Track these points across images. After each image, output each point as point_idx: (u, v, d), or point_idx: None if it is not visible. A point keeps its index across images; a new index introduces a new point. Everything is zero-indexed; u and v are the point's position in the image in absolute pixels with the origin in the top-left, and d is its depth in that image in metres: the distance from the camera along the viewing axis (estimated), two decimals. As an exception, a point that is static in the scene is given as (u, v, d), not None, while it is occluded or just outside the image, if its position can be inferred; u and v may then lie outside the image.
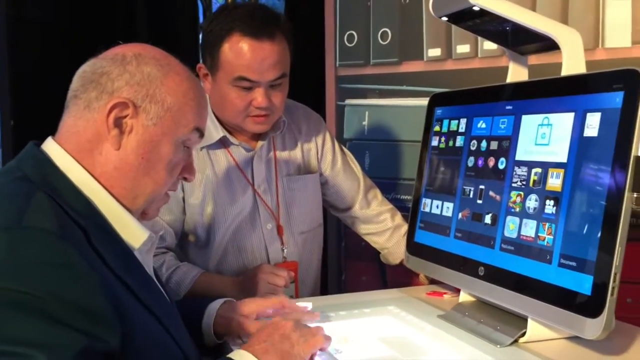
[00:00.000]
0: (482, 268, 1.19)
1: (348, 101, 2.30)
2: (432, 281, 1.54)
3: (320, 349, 1.02)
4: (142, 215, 0.97)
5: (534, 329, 1.10)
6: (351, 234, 2.08)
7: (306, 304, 1.24)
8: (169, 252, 1.45)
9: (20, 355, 0.72)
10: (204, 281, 1.42)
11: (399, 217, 1.68)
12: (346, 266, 2.36)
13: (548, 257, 1.04)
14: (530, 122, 1.15)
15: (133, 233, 0.92)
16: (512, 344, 1.09)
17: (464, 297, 1.31)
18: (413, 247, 1.46)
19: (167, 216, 1.45)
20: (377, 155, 2.19)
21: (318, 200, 1.63)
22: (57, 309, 0.74)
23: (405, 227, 1.63)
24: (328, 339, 1.00)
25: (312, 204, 1.61)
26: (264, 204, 1.52)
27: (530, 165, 1.13)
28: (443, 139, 1.41)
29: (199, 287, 1.41)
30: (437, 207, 1.38)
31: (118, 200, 0.91)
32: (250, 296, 1.35)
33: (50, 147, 0.92)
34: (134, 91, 0.91)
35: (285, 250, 1.53)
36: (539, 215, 1.08)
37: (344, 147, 1.71)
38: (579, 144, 1.03)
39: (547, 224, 1.06)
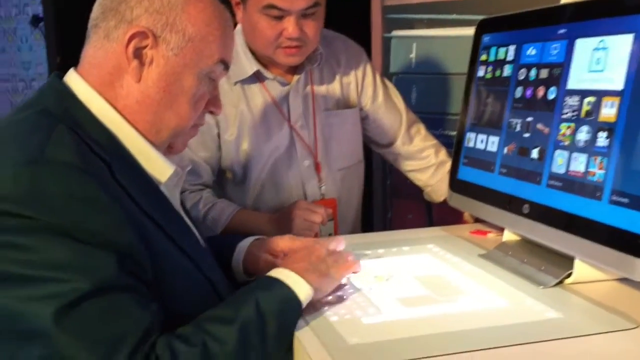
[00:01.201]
0: (527, 205, 1.12)
1: (395, 32, 2.19)
2: (477, 219, 1.48)
3: (353, 272, 1.02)
4: (168, 150, 0.94)
5: (581, 270, 1.03)
6: (397, 171, 2.02)
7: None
8: (206, 189, 1.44)
9: (60, 281, 0.72)
10: (241, 218, 1.40)
11: (443, 153, 1.61)
12: (392, 204, 2.31)
13: (598, 194, 0.97)
14: (584, 47, 1.05)
15: (158, 167, 0.90)
16: (556, 285, 1.03)
17: (508, 236, 1.25)
18: (456, 184, 1.40)
19: (202, 153, 1.43)
20: (425, 89, 2.09)
21: (358, 136, 1.57)
22: (86, 236, 0.74)
23: (449, 164, 1.56)
24: (357, 263, 1.01)
25: (352, 140, 1.56)
26: (301, 140, 1.47)
27: (582, 94, 1.03)
28: (490, 68, 1.32)
29: (235, 224, 1.39)
30: (482, 141, 1.31)
31: (142, 134, 0.89)
32: (286, 233, 1.33)
33: (73, 79, 0.89)
34: (153, 19, 0.86)
35: (323, 188, 1.49)
36: (589, 148, 1.00)
37: (386, 80, 1.63)
38: (638, 69, 0.93)
39: (599, 158, 0.97)
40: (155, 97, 0.88)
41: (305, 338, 0.86)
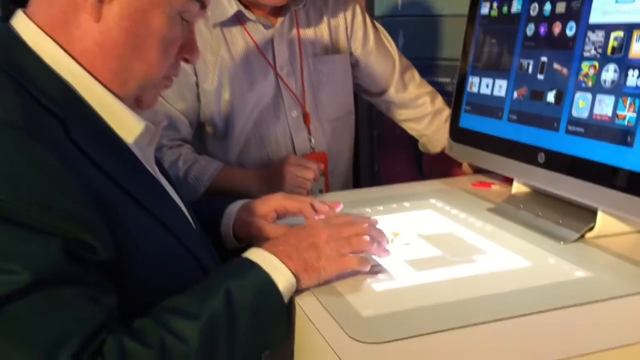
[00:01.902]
0: (543, 154, 1.03)
1: (378, -28, 2.04)
2: (477, 170, 1.39)
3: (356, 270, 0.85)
4: (137, 104, 0.81)
5: (605, 223, 0.95)
6: (384, 122, 1.91)
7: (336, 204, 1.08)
8: (185, 145, 1.32)
9: None
10: (226, 176, 1.29)
11: (439, 101, 1.50)
12: (379, 157, 2.22)
13: (629, 139, 0.87)
14: (610, -25, 0.94)
15: (126, 124, 0.76)
16: (577, 240, 0.95)
17: (517, 187, 1.16)
18: (457, 133, 1.30)
19: (179, 104, 1.29)
20: (413, 33, 1.96)
21: (348, 84, 1.45)
22: (25, 216, 0.61)
23: (447, 112, 1.46)
24: (364, 263, 0.83)
25: (342, 88, 1.43)
26: (288, 89, 1.35)
27: (608, 28, 0.93)
28: (495, 5, 1.20)
29: (219, 182, 1.28)
30: (487, 86, 1.20)
31: (104, 86, 0.75)
32: (276, 191, 1.22)
33: (20, 21, 0.75)
34: None
35: (312, 140, 1.38)
36: (618, 89, 0.90)
37: (376, 23, 1.50)
38: (678, -3, 0.83)
39: (629, 99, 0.88)
40: (119, 40, 0.74)
41: (311, 310, 0.76)
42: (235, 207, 1.01)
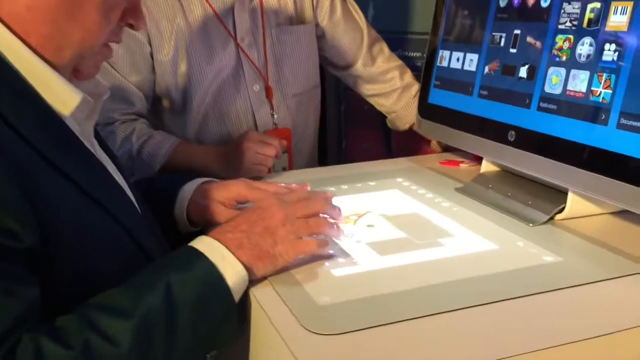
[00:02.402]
0: (513, 132, 0.98)
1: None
2: (446, 148, 1.35)
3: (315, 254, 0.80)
4: (75, 74, 0.73)
5: (575, 204, 0.91)
6: (352, 97, 1.85)
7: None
8: (139, 119, 1.24)
9: None
10: (183, 152, 1.22)
11: (409, 75, 1.44)
12: (347, 133, 2.16)
13: (603, 117, 0.83)
14: (587, -58, 0.88)
15: (61, 96, 0.68)
16: (547, 222, 0.91)
17: (486, 166, 1.12)
18: (426, 109, 1.25)
19: (133, 76, 1.21)
20: (383, 5, 1.89)
21: (314, 57, 1.39)
22: None
23: (416, 87, 1.40)
24: (324, 245, 0.78)
25: (307, 61, 1.37)
26: (249, 61, 1.27)
27: (584, -1, 0.88)
28: (467, -26, 1.14)
29: (176, 159, 1.21)
30: (458, 60, 1.15)
31: (36, 53, 0.67)
32: (235, 169, 1.16)
33: None
34: None
35: (275, 116, 1.31)
36: (593, 64, 0.85)
37: (344, -8, 1.43)
38: (658, -34, 0.78)
39: (605, 75, 0.83)
40: (51, 2, 0.66)
41: (264, 299, 0.71)
42: (190, 188, 0.95)
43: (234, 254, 0.70)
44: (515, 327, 0.64)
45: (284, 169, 1.31)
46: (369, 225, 0.92)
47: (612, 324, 0.63)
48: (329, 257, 0.79)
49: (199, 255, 0.70)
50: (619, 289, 0.72)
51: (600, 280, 0.73)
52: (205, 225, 0.94)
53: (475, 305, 0.67)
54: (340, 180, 1.15)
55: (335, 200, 0.86)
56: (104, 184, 0.73)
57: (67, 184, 0.65)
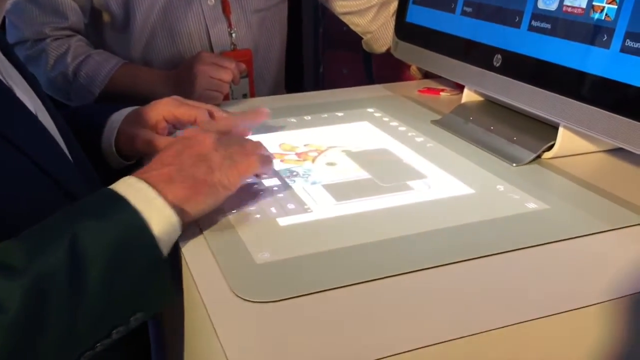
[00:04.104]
0: (500, 56, 0.85)
1: None
2: (427, 74, 1.22)
3: (256, 176, 0.71)
4: None
5: (566, 141, 0.80)
6: (331, 17, 1.69)
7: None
8: (76, 36, 1.08)
9: None
10: (126, 75, 1.07)
11: (387, -9, 1.28)
12: (324, 57, 2.00)
13: (605, 38, 0.69)
14: None
15: None
16: (533, 161, 0.79)
17: (468, 96, 0.99)
18: (404, 30, 1.10)
19: (66, -15, 1.05)
20: None
21: (279, -34, 1.22)
22: None
23: (395, 4, 1.24)
24: (268, 160, 0.67)
25: (271, -30, 1.20)
26: (203, -31, 1.11)
27: None
28: None
29: (119, 82, 1.07)
30: (440, -30, 0.99)
31: None
32: (186, 95, 1.01)
33: None
34: None
35: (234, 35, 1.16)
36: (597, -27, 0.71)
37: None
38: None
39: (611, -13, 0.69)
40: None
41: (192, 256, 0.59)
42: (119, 117, 0.81)
43: (162, 193, 0.57)
44: (482, 294, 0.53)
45: (245, 96, 1.17)
46: (329, 164, 0.79)
47: (610, 290, 0.52)
48: (276, 202, 0.67)
49: (118, 198, 0.57)
50: (615, 243, 0.61)
51: (594, 234, 0.62)
52: (140, 158, 0.81)
53: (442, 265, 0.56)
54: (305, 109, 1.02)
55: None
56: (9, 111, 0.59)
57: None
